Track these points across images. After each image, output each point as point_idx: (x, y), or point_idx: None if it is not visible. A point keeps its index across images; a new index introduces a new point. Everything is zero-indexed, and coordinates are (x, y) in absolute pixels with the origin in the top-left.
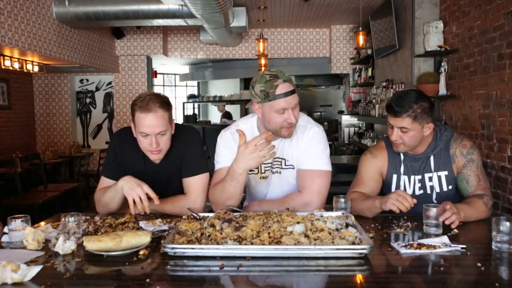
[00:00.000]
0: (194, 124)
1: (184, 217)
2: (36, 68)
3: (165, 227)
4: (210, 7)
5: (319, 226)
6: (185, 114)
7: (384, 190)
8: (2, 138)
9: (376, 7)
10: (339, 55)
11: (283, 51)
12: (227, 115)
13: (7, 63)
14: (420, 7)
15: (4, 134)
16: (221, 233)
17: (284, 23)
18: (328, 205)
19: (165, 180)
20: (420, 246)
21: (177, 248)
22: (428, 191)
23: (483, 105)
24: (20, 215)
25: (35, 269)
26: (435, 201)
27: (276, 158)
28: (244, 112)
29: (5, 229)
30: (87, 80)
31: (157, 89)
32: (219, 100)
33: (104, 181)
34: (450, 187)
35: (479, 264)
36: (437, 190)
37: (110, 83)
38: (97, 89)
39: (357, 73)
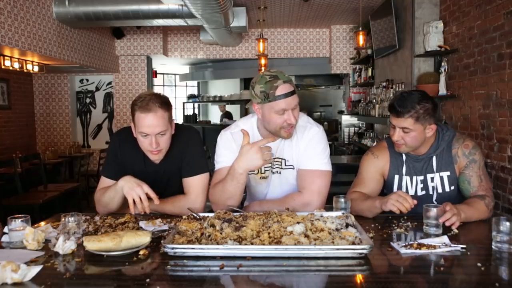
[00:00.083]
0: (194, 124)
1: (184, 217)
2: (36, 68)
3: (165, 227)
4: (210, 7)
5: (319, 226)
6: (185, 114)
7: (386, 190)
8: (2, 138)
9: (376, 7)
10: (339, 55)
11: (283, 51)
12: (227, 115)
13: (7, 63)
14: (420, 7)
15: (4, 134)
16: (221, 233)
17: (284, 23)
18: (328, 205)
19: (165, 180)
20: (420, 246)
21: (177, 248)
22: (430, 192)
23: (483, 105)
24: (20, 215)
25: (35, 269)
26: (435, 202)
27: (276, 158)
28: (244, 112)
29: (5, 229)
30: (87, 80)
31: (157, 89)
32: (219, 100)
33: (104, 181)
34: (452, 187)
35: (479, 264)
36: (439, 190)
37: (110, 83)
38: (97, 89)
39: (357, 73)
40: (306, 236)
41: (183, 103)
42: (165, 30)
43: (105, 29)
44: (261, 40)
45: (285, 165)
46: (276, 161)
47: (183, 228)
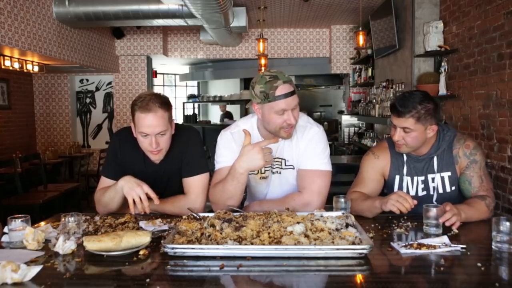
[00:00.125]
0: (194, 124)
1: (184, 217)
2: (36, 68)
3: (165, 227)
4: (210, 7)
5: (319, 226)
6: (185, 114)
7: (387, 191)
8: (2, 138)
9: (376, 7)
10: (339, 55)
11: (283, 51)
12: (228, 115)
13: (7, 63)
14: (420, 7)
15: (4, 134)
16: (221, 233)
17: (284, 23)
18: (328, 205)
19: (165, 180)
20: (420, 246)
21: (177, 248)
22: (431, 192)
23: (483, 105)
24: (20, 215)
25: (35, 269)
26: (435, 202)
27: (276, 158)
28: (244, 112)
29: (5, 229)
30: (87, 80)
31: (157, 89)
32: (219, 100)
33: (104, 181)
34: (453, 188)
35: (479, 264)
36: (440, 191)
37: (110, 83)
38: (97, 89)
39: (357, 73)
40: (306, 236)
41: (183, 103)
42: (165, 30)
43: (105, 29)
44: (261, 40)
45: (285, 165)
46: (276, 161)
47: (183, 228)
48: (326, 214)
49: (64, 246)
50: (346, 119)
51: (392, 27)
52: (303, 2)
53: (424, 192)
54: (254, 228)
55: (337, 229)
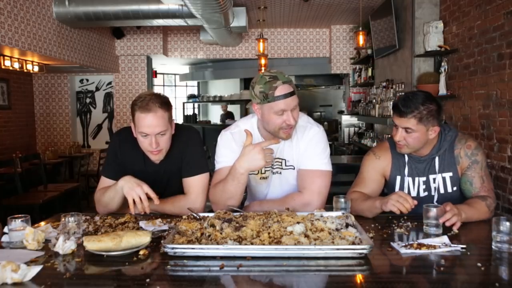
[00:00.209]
0: (194, 124)
1: (184, 217)
2: (36, 68)
3: (165, 227)
4: (210, 7)
5: (319, 226)
6: (185, 114)
7: (388, 191)
8: (2, 138)
9: (376, 7)
10: (339, 55)
11: (283, 51)
12: (229, 115)
13: (7, 63)
14: (420, 7)
15: (4, 134)
16: (221, 233)
17: (284, 23)
18: (328, 205)
19: (165, 180)
20: (420, 246)
21: (177, 248)
22: (433, 193)
23: (483, 105)
24: (20, 215)
25: (35, 269)
26: (436, 202)
27: (276, 158)
28: (244, 112)
29: (5, 229)
30: (87, 80)
31: (157, 89)
32: (219, 100)
33: (104, 181)
34: (455, 188)
35: (479, 264)
36: (442, 191)
37: (110, 83)
38: (97, 89)
39: (357, 73)
40: (306, 236)
41: (183, 103)
42: (165, 30)
43: (105, 29)
44: (261, 40)
45: (286, 165)
46: (277, 162)
47: (183, 228)
48: (326, 214)
49: (64, 246)
50: (346, 119)
51: (392, 27)
52: (303, 2)
53: (426, 193)
54: (254, 228)
55: (337, 229)
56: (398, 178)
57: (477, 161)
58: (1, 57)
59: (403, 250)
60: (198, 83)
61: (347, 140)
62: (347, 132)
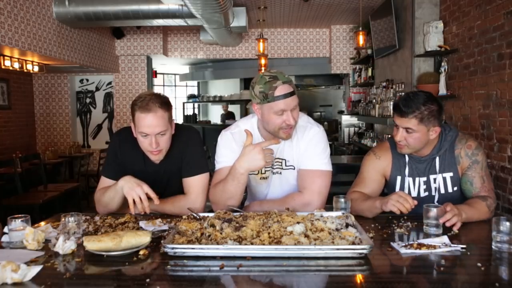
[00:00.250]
0: (194, 124)
1: (184, 217)
2: (36, 68)
3: (165, 227)
4: (210, 7)
5: (319, 226)
6: (185, 114)
7: (388, 191)
8: (2, 138)
9: (376, 7)
10: (339, 55)
11: (283, 51)
12: (229, 115)
13: (7, 63)
14: (420, 7)
15: (4, 134)
16: (221, 233)
17: (284, 23)
18: (328, 205)
19: (165, 180)
20: (420, 246)
21: (177, 248)
22: (433, 193)
23: (483, 105)
24: (20, 215)
25: (35, 269)
26: (437, 203)
27: (276, 158)
28: (244, 113)
29: (5, 229)
30: (87, 80)
31: (157, 89)
32: (219, 100)
33: (104, 181)
34: (455, 188)
35: (479, 264)
36: (442, 191)
37: (110, 83)
38: (97, 89)
39: (357, 73)
40: (306, 236)
41: (183, 103)
42: (165, 30)
43: (105, 29)
44: (261, 40)
45: (286, 165)
46: (277, 162)
47: (183, 228)
48: (326, 214)
49: (64, 246)
50: (346, 119)
51: (392, 27)
52: (303, 2)
53: (426, 193)
54: (254, 228)
55: (337, 229)
56: (399, 178)
57: (477, 161)
58: (1, 57)
59: (403, 250)
60: (198, 83)
61: (347, 140)
62: (347, 132)
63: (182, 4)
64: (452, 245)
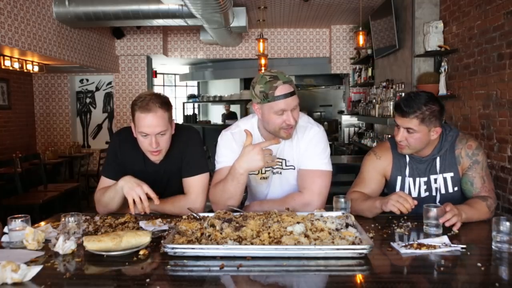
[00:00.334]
0: (194, 124)
1: (184, 217)
2: (36, 68)
3: (165, 227)
4: (210, 7)
5: (319, 226)
6: (185, 114)
7: (388, 191)
8: (2, 138)
9: (376, 7)
10: (339, 55)
11: (283, 51)
12: (231, 115)
13: (7, 63)
14: (420, 7)
15: (4, 134)
16: (221, 233)
17: (284, 23)
18: (328, 205)
19: (165, 180)
20: (420, 246)
21: (177, 248)
22: (434, 193)
23: (483, 105)
24: (20, 215)
25: (35, 269)
26: (437, 203)
27: (276, 158)
28: (245, 112)
29: (5, 229)
30: (87, 80)
31: (157, 89)
32: (219, 100)
33: (104, 181)
34: (456, 188)
35: (479, 264)
36: (443, 191)
37: (110, 83)
38: (97, 89)
39: (357, 73)
40: (306, 236)
41: (183, 103)
42: (165, 30)
43: (105, 29)
44: (261, 40)
45: (286, 165)
46: (277, 162)
47: (183, 228)
48: (326, 214)
49: (64, 246)
50: (346, 119)
51: (392, 27)
52: (303, 2)
53: (427, 193)
54: (254, 228)
55: (337, 229)
56: (399, 178)
57: (478, 161)
58: (1, 57)
59: (403, 250)
60: (198, 83)
61: (347, 140)
62: (347, 132)
63: (182, 4)
64: (452, 245)
